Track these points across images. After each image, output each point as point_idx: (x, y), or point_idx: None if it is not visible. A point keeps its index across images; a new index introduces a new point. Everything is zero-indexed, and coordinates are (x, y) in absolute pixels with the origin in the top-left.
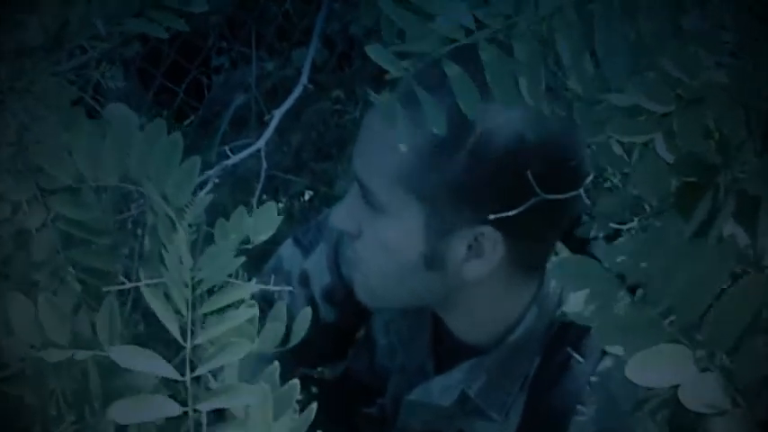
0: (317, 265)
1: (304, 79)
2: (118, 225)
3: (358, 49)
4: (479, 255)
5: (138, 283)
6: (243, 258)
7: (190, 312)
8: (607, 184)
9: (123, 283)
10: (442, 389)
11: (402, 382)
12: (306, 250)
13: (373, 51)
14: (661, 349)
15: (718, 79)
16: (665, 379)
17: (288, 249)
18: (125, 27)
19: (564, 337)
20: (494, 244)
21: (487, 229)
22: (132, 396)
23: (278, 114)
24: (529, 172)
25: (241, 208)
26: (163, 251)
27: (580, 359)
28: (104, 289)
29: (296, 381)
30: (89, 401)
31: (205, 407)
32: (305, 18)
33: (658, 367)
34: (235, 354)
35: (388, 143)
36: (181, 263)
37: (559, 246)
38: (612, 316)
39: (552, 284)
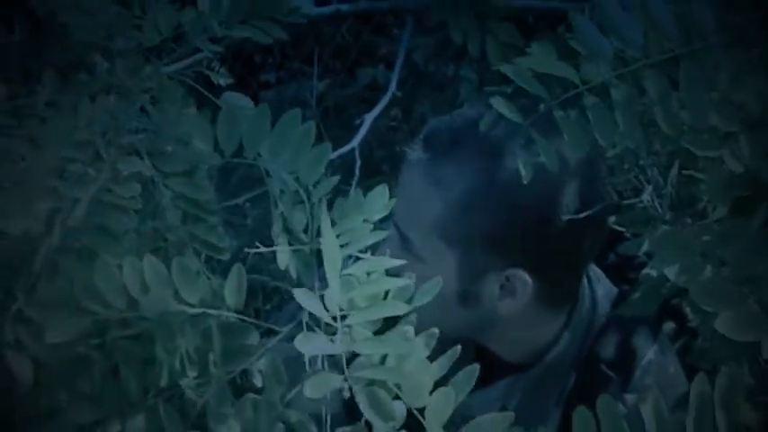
0: None
1: (393, 87)
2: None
3: (416, 72)
4: (512, 294)
5: (275, 248)
6: (384, 232)
7: (338, 283)
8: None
9: (258, 247)
10: (481, 403)
11: None
12: None
13: (496, 102)
14: (744, 312)
15: None
16: (747, 335)
17: None
18: (233, 32)
19: (598, 355)
20: (524, 284)
21: (517, 272)
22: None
23: (369, 118)
24: (559, 219)
25: (381, 187)
26: (294, 223)
27: (613, 375)
28: (246, 250)
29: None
30: (210, 358)
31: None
32: (359, 39)
33: (742, 325)
34: (393, 312)
35: (424, 198)
36: (311, 233)
37: None
38: (704, 284)
39: (584, 310)
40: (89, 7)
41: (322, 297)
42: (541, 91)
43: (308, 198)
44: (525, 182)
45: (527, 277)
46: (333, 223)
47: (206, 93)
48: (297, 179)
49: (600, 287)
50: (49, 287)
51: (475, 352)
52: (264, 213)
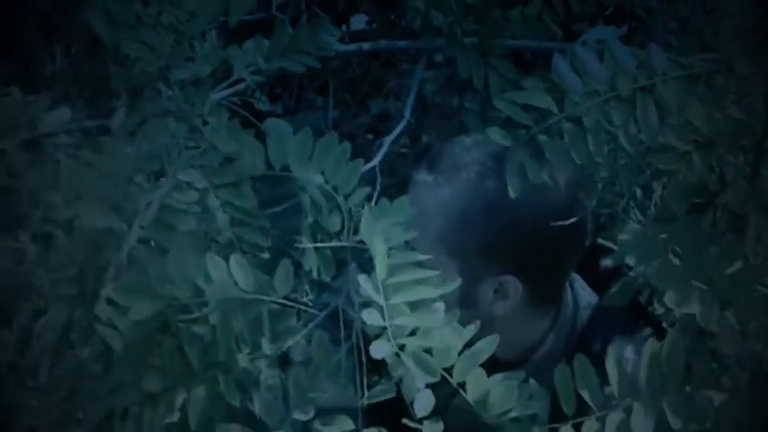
0: None
1: (407, 114)
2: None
3: (424, 103)
4: (504, 297)
5: (317, 245)
6: (414, 232)
7: (386, 269)
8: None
9: (299, 242)
10: None
11: (449, 388)
12: None
13: (491, 131)
14: (689, 290)
15: (724, 128)
16: (689, 308)
17: None
18: (272, 64)
19: (584, 350)
20: (515, 289)
21: (510, 278)
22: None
23: (387, 141)
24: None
25: (404, 197)
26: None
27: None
28: (296, 245)
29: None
30: (261, 338)
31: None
32: (369, 72)
33: (686, 300)
34: (424, 294)
35: (428, 215)
36: (348, 232)
37: None
38: (658, 269)
39: (568, 313)
40: (150, 42)
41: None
42: (528, 120)
43: (345, 204)
44: (513, 196)
45: (518, 283)
46: None
47: (250, 117)
48: (335, 188)
49: (582, 294)
50: (130, 276)
51: None
52: (290, 222)
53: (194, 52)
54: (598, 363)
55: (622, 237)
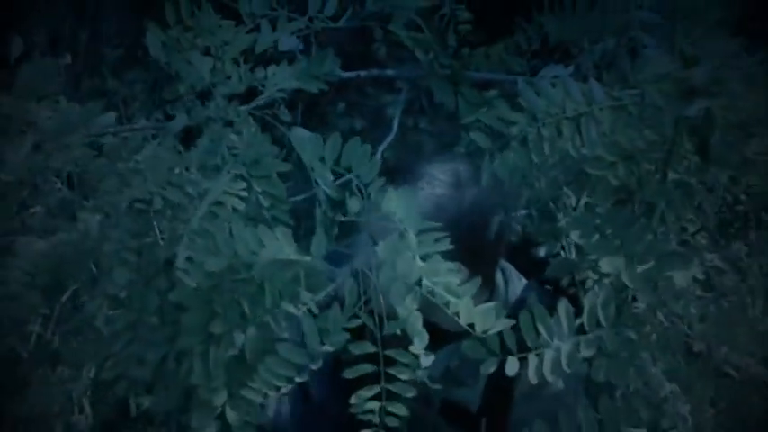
0: None
1: (395, 127)
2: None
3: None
4: None
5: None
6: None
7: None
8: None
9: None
10: (431, 365)
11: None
12: None
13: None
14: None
15: (641, 145)
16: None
17: None
18: (291, 84)
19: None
20: (462, 272)
21: (459, 264)
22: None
23: (380, 149)
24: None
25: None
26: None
27: None
28: (337, 218)
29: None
30: (299, 289)
31: None
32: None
33: (613, 264)
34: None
35: None
36: (366, 213)
37: None
38: (594, 243)
39: (500, 293)
40: (195, 62)
41: None
42: (481, 138)
43: (366, 188)
44: (484, 184)
45: (464, 268)
46: None
47: (278, 124)
48: (358, 177)
49: (512, 277)
50: (202, 241)
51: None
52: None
53: (231, 73)
54: None
55: (567, 221)
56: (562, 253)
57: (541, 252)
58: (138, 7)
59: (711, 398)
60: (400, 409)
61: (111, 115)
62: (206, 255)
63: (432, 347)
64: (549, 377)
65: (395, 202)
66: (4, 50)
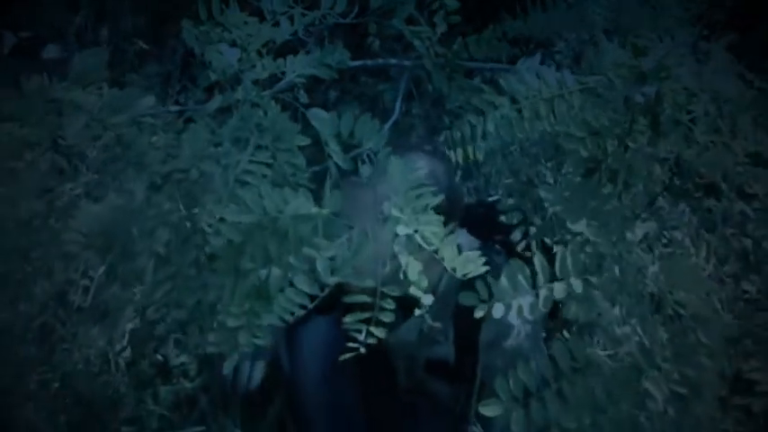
0: None
1: (397, 111)
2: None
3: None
4: None
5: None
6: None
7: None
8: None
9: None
10: (407, 330)
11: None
12: None
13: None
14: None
15: (606, 123)
16: (587, 230)
17: None
18: (307, 71)
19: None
20: None
21: None
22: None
23: (386, 126)
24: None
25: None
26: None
27: None
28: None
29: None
30: (316, 238)
31: None
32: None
33: (584, 226)
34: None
35: None
36: (376, 175)
37: None
38: (570, 208)
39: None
40: (225, 53)
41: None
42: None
43: (375, 156)
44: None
45: None
46: None
47: (299, 106)
48: (369, 148)
49: (466, 241)
50: (234, 197)
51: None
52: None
53: (256, 61)
54: None
55: (545, 191)
56: (537, 221)
57: (505, 219)
58: (154, 6)
59: (661, 330)
60: (381, 333)
61: (151, 98)
62: (239, 214)
63: (405, 316)
64: (529, 317)
65: (398, 167)
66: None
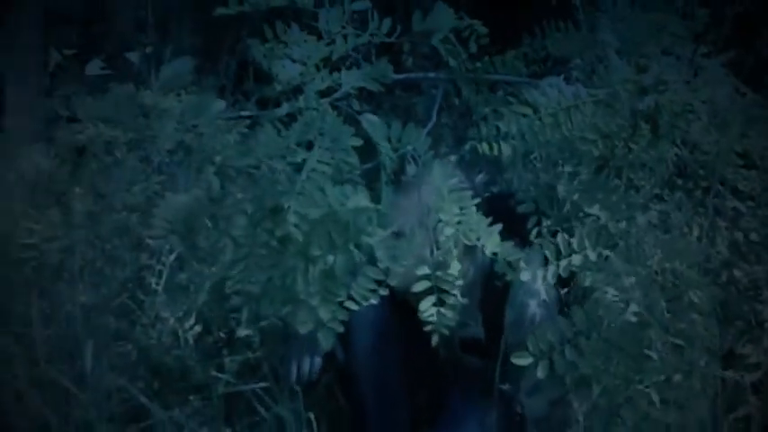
0: None
1: (434, 118)
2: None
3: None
4: None
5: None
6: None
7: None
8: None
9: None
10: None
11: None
12: None
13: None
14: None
15: (615, 128)
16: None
17: None
18: (357, 83)
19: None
20: None
21: None
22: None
23: (424, 132)
24: None
25: (449, 161)
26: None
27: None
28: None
29: None
30: (370, 227)
31: None
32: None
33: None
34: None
35: None
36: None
37: None
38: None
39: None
40: (288, 67)
41: None
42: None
43: (419, 158)
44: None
45: None
46: None
47: (353, 113)
48: (414, 150)
49: None
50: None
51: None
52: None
53: (315, 75)
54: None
55: (564, 184)
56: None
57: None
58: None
59: (660, 294)
60: (448, 313)
61: (222, 103)
62: (307, 206)
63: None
64: (551, 282)
65: (441, 168)
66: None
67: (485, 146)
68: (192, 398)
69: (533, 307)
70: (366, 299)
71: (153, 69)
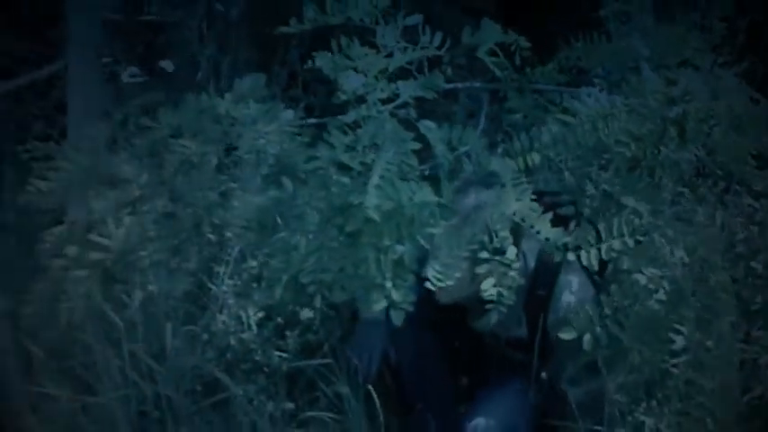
0: None
1: (482, 123)
2: None
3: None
4: None
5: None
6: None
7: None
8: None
9: None
10: (489, 319)
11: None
12: None
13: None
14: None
15: (646, 132)
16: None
17: None
18: (414, 92)
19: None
20: None
21: None
22: None
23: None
24: None
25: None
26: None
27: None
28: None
29: None
30: (433, 218)
31: None
32: None
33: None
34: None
35: None
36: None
37: None
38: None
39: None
40: (351, 77)
41: None
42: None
43: (476, 158)
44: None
45: None
46: None
47: (412, 119)
48: (471, 150)
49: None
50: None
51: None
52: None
53: (376, 85)
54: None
55: (605, 179)
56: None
57: (564, 211)
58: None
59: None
60: (511, 294)
61: (291, 112)
62: (382, 198)
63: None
64: (593, 265)
65: (497, 165)
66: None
67: (519, 160)
68: (258, 375)
69: (573, 303)
70: (442, 281)
71: (212, 78)
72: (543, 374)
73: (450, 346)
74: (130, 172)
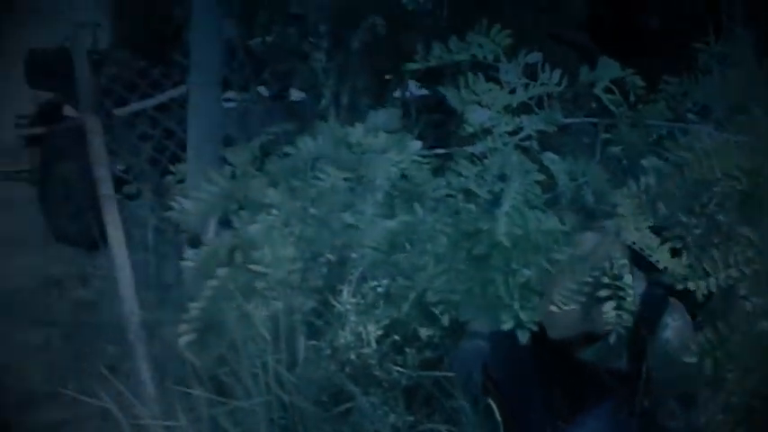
0: None
1: (597, 154)
2: None
3: None
4: None
5: None
6: None
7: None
8: None
9: None
10: (592, 350)
11: None
12: None
13: None
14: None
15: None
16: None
17: None
18: (537, 126)
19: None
20: None
21: None
22: None
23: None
24: None
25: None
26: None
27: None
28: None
29: None
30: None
31: None
32: None
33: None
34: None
35: None
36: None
37: None
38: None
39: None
40: (476, 111)
41: None
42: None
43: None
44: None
45: None
46: None
47: (536, 152)
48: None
49: None
50: (508, 217)
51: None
52: None
53: (500, 118)
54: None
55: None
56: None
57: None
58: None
59: None
60: (628, 316)
61: (419, 143)
62: (513, 226)
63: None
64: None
65: (616, 195)
66: None
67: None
68: (378, 389)
69: (672, 341)
70: (566, 303)
71: (332, 106)
72: (645, 403)
73: (550, 370)
74: (274, 197)
